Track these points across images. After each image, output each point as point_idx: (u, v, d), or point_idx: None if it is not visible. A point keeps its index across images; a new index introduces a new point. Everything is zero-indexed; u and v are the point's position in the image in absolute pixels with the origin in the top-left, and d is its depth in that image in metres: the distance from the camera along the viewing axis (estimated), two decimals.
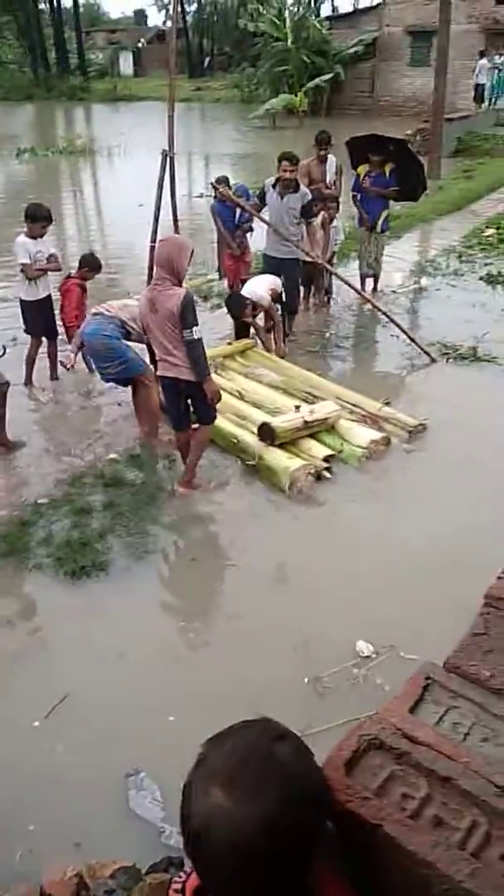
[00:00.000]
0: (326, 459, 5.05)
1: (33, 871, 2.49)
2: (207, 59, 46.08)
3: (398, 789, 1.01)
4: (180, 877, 1.05)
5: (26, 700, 3.25)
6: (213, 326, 7.71)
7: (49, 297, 6.26)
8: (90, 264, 6.40)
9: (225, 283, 8.52)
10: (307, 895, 0.92)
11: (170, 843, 2.63)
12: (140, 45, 48.17)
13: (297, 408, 5.39)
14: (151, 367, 5.23)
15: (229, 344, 6.92)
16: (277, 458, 4.95)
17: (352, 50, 28.60)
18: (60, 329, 6.45)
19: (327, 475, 4.97)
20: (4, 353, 5.52)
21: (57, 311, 6.40)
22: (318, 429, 5.30)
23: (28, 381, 6.33)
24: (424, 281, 9.46)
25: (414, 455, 5.31)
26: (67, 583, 4.02)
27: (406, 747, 1.06)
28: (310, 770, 0.94)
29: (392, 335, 7.32)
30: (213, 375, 6.08)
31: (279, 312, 6.81)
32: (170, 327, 4.36)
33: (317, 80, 27.58)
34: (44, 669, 3.44)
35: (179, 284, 4.39)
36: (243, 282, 8.10)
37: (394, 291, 9.01)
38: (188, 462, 4.86)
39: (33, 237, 5.98)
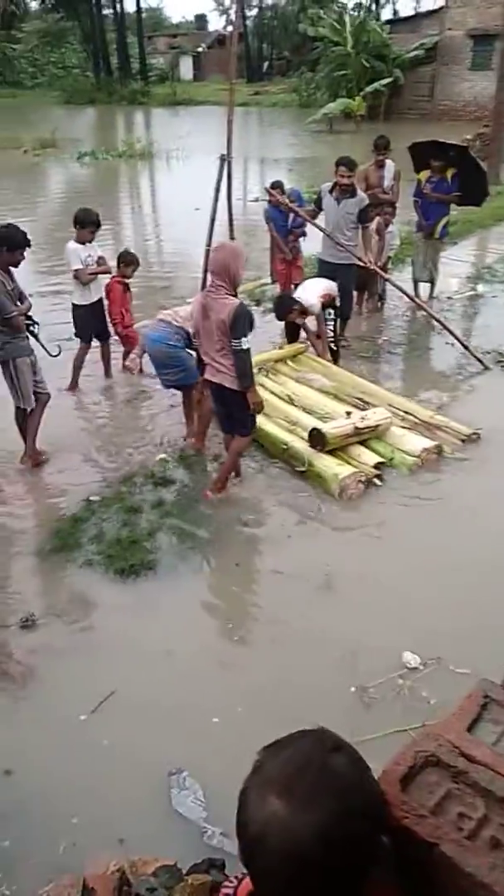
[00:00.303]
0: (377, 467, 5.01)
1: (75, 864, 2.52)
2: (266, 64, 46.33)
3: (455, 808, 1.00)
4: (231, 882, 1.06)
5: (74, 694, 3.30)
6: (265, 331, 7.73)
7: (101, 300, 6.36)
8: (125, 259, 6.49)
9: (277, 288, 8.52)
10: None
11: (212, 844, 2.64)
12: (200, 49, 48.70)
13: (349, 414, 5.35)
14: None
15: (280, 348, 6.92)
16: (327, 464, 4.93)
17: (412, 54, 28.39)
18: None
19: (377, 482, 4.92)
20: (59, 353, 5.63)
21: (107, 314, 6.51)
22: (368, 436, 5.25)
23: (74, 385, 6.40)
24: (481, 287, 9.32)
25: (466, 464, 5.22)
26: (117, 580, 4.08)
27: (463, 766, 1.04)
28: (366, 783, 0.93)
29: (446, 342, 7.22)
30: (264, 379, 6.12)
31: (332, 317, 6.76)
32: (218, 335, 4.38)
33: (375, 85, 27.44)
34: (92, 665, 3.49)
35: (234, 292, 4.41)
36: (296, 286, 8.11)
37: (449, 298, 8.89)
38: (220, 469, 4.89)
39: (82, 242, 6.07)
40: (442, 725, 1.13)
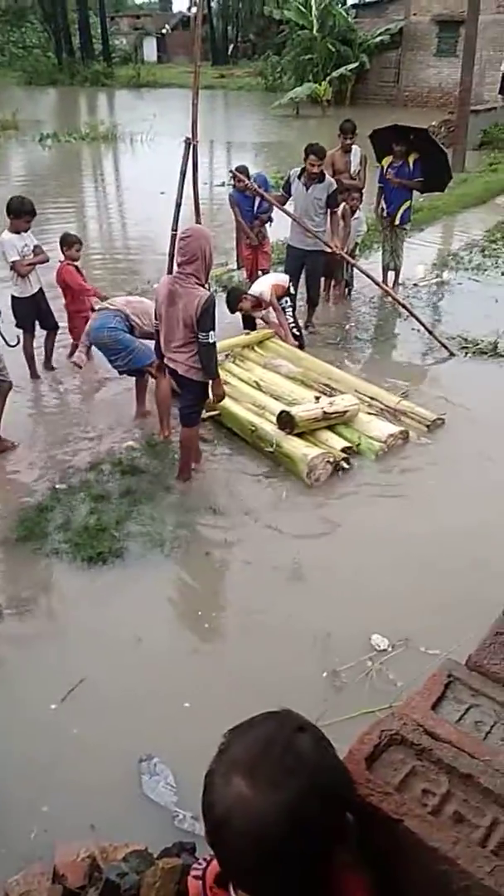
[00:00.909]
0: (344, 451, 5.05)
1: (46, 852, 2.52)
2: (232, 47, 45.80)
3: (419, 785, 1.02)
4: (200, 864, 1.06)
5: (43, 683, 3.29)
6: (231, 318, 7.71)
7: (41, 290, 6.15)
8: (67, 241, 6.22)
9: (243, 273, 8.49)
10: (326, 886, 0.93)
11: (183, 828, 2.66)
12: (164, 31, 47.98)
13: (318, 398, 5.39)
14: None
15: (247, 334, 6.91)
16: (296, 445, 4.95)
17: (378, 39, 28.34)
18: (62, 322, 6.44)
19: (345, 466, 4.96)
20: (18, 343, 5.54)
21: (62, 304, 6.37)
22: (336, 421, 5.29)
23: (34, 375, 6.29)
24: (446, 275, 9.39)
25: (431, 449, 5.29)
26: (84, 568, 4.05)
27: (427, 743, 1.06)
28: (331, 762, 0.94)
29: (412, 328, 7.29)
30: (231, 365, 6.11)
31: (288, 305, 6.76)
32: (182, 325, 4.34)
33: (341, 70, 27.36)
34: (60, 653, 3.48)
35: (205, 280, 4.37)
36: (263, 272, 8.09)
37: (415, 285, 8.94)
38: (179, 462, 4.89)
39: (16, 232, 5.84)
40: (407, 705, 1.15)
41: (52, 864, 2.41)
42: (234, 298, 6.65)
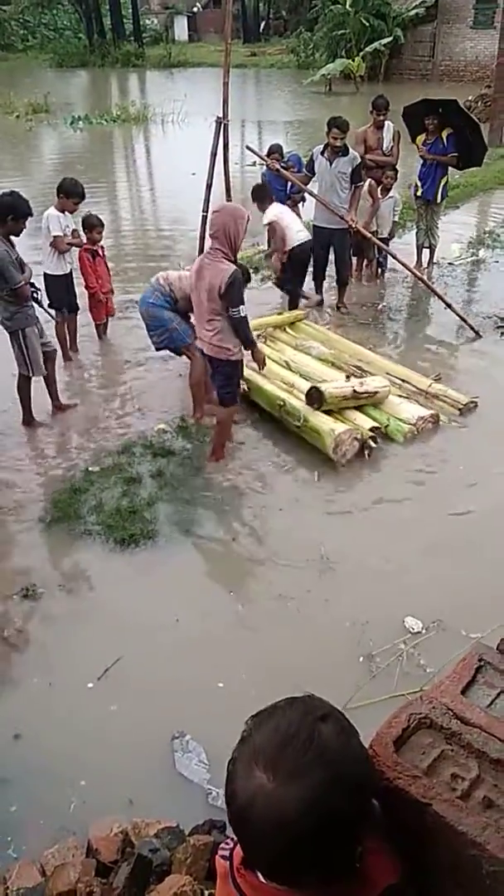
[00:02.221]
0: (372, 431, 4.99)
1: (82, 826, 2.58)
2: (263, 24, 45.08)
3: (448, 769, 1.01)
4: (227, 844, 1.07)
5: (80, 662, 3.34)
6: (264, 298, 7.67)
7: (72, 272, 6.21)
8: (89, 223, 6.25)
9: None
10: (352, 871, 0.92)
11: (217, 805, 2.70)
12: (195, 9, 47.41)
13: (348, 377, 5.34)
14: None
15: (279, 314, 6.87)
16: (323, 420, 4.92)
17: (412, 12, 27.61)
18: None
19: (372, 444, 4.91)
20: (61, 318, 5.58)
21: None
22: (365, 402, 5.23)
23: (66, 357, 6.31)
24: (482, 253, 9.20)
25: (462, 433, 5.21)
26: (116, 550, 4.09)
27: (457, 728, 1.05)
28: (353, 752, 0.93)
29: (445, 308, 7.16)
30: (261, 346, 6.06)
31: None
32: (207, 299, 4.31)
33: (375, 44, 26.75)
34: (95, 633, 3.52)
35: (232, 257, 4.33)
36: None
37: (450, 263, 8.78)
38: (213, 443, 4.88)
39: (62, 211, 5.91)
40: (437, 689, 1.13)
41: (87, 838, 2.47)
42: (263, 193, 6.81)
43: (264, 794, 0.86)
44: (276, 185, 7.74)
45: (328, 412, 5.05)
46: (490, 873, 0.92)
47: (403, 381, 5.67)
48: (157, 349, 5.58)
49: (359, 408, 5.22)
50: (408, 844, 1.00)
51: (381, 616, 3.55)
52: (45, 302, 5.65)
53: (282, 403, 5.18)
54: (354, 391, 5.12)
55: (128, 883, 2.18)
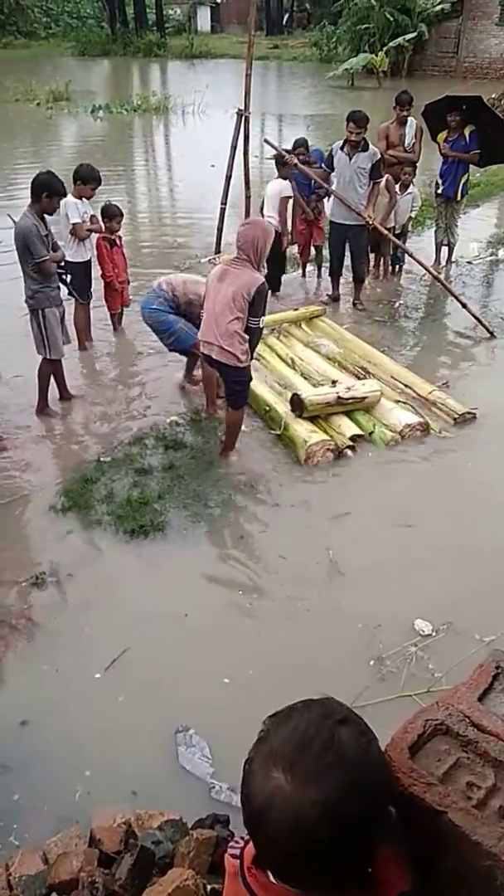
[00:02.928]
0: (353, 439, 4.95)
1: (85, 815, 2.58)
2: (286, 16, 44.85)
3: (464, 777, 0.99)
4: (238, 842, 1.06)
5: (87, 652, 3.34)
6: (280, 293, 7.64)
7: (91, 259, 6.19)
8: (108, 212, 6.21)
9: (295, 248, 8.36)
10: (366, 877, 0.91)
11: (220, 799, 2.69)
12: (219, 0, 47.23)
13: (334, 383, 5.30)
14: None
15: (295, 309, 6.84)
16: (300, 430, 4.91)
17: (438, 7, 27.33)
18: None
19: (349, 453, 4.87)
20: (90, 299, 5.56)
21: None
22: (353, 407, 5.18)
23: (82, 347, 6.30)
24: (502, 252, 9.12)
25: (450, 443, 5.06)
26: (126, 540, 4.09)
27: (473, 735, 1.03)
28: (372, 756, 0.92)
29: (469, 306, 7.09)
30: (274, 340, 6.05)
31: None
32: (228, 302, 4.30)
33: (399, 40, 26.53)
34: (103, 623, 3.52)
35: (257, 268, 4.39)
36: (316, 248, 7.97)
37: (469, 262, 8.71)
38: (224, 441, 4.87)
39: (79, 198, 5.90)
40: (453, 695, 1.12)
41: (90, 828, 2.47)
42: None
43: (282, 795, 0.85)
44: (301, 180, 7.67)
45: (314, 417, 5.03)
46: None
47: (406, 386, 5.59)
48: (170, 350, 5.61)
49: (348, 412, 5.18)
50: (421, 851, 0.99)
51: (390, 618, 3.53)
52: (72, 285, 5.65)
53: (267, 409, 5.18)
54: (339, 397, 5.08)
55: (130, 874, 2.18)
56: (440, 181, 8.02)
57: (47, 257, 4.85)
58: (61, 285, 5.15)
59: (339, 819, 0.84)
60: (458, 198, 8.05)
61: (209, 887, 2.13)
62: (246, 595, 3.76)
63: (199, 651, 3.37)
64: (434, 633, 3.44)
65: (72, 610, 3.62)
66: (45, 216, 4.89)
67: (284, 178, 7.01)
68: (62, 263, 5.13)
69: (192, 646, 3.40)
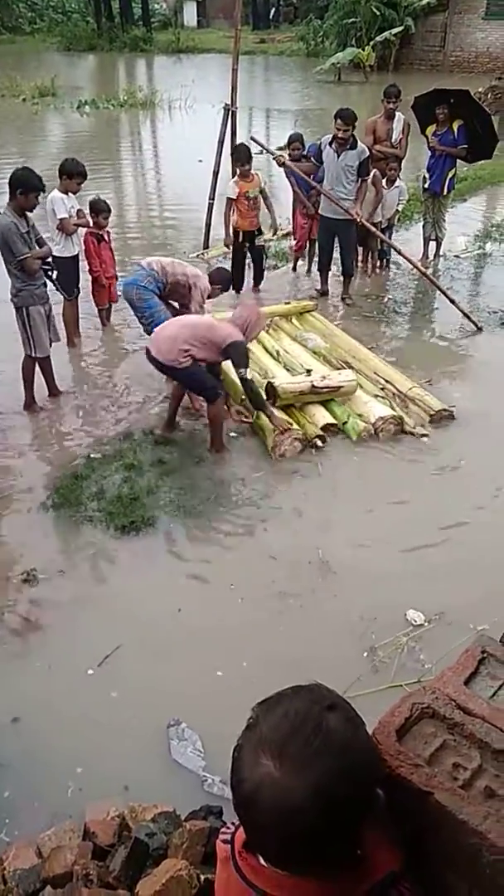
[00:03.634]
0: (327, 429, 4.98)
1: (78, 811, 2.59)
2: (273, 10, 44.70)
3: (450, 759, 1.01)
4: (228, 828, 1.07)
5: (80, 649, 3.35)
6: (270, 287, 7.65)
7: (79, 254, 6.18)
8: (95, 207, 6.22)
9: (291, 241, 8.35)
10: (354, 859, 0.93)
11: (212, 791, 2.71)
12: None
13: (309, 372, 5.33)
14: None
15: (287, 303, 6.85)
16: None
17: (424, 1, 27.32)
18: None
19: (319, 444, 4.89)
20: (77, 295, 5.63)
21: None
22: (328, 396, 5.20)
23: (71, 343, 6.29)
24: (489, 246, 9.17)
25: (421, 441, 5.05)
26: (117, 537, 4.09)
27: (459, 718, 1.05)
28: (360, 741, 0.93)
29: (456, 301, 7.12)
30: (262, 333, 6.05)
31: None
32: (193, 322, 4.72)
33: (386, 34, 26.49)
34: (95, 620, 3.53)
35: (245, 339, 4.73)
36: (310, 241, 7.97)
37: (457, 256, 8.75)
38: (210, 435, 4.89)
39: (65, 193, 5.88)
40: (439, 679, 1.13)
41: (83, 821, 2.48)
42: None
43: (271, 781, 0.87)
44: (298, 176, 7.67)
45: (288, 407, 5.06)
46: (490, 862, 0.92)
47: (387, 381, 5.59)
48: (146, 331, 5.62)
49: (325, 402, 5.20)
50: (409, 832, 1.00)
51: (383, 609, 3.55)
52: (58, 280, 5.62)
53: (243, 398, 5.19)
54: (314, 386, 5.10)
55: (124, 866, 2.20)
56: (427, 175, 8.04)
57: (28, 255, 4.81)
58: (47, 282, 5.12)
59: (328, 803, 0.86)
60: (445, 192, 8.07)
61: (203, 877, 2.14)
62: (237, 589, 3.77)
63: (191, 645, 3.39)
64: (426, 624, 3.47)
65: (64, 606, 3.62)
66: (26, 212, 4.86)
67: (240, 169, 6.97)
68: (48, 259, 5.09)
69: (184, 640, 3.41)
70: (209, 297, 5.46)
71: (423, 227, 8.45)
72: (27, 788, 2.74)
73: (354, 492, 4.55)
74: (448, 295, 6.86)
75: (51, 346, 5.28)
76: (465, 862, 0.94)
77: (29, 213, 4.89)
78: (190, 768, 2.82)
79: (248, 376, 4.66)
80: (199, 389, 4.87)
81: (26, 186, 4.73)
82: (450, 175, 7.96)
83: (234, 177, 7.08)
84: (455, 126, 7.65)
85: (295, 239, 8.14)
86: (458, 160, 7.98)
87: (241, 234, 7.23)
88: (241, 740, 0.94)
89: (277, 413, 4.90)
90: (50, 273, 5.10)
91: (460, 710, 1.06)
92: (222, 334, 4.61)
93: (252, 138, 7.66)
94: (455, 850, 0.95)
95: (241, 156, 6.94)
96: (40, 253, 4.94)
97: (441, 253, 8.60)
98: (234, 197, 6.98)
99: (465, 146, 7.72)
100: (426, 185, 8.10)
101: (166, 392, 5.59)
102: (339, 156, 6.69)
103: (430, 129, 7.84)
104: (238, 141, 7.74)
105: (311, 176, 7.10)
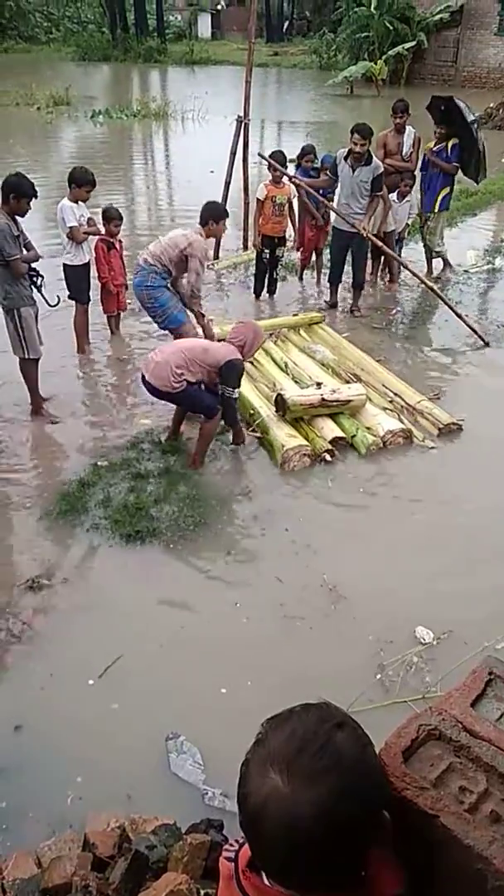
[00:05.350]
0: (334, 442, 4.97)
1: (78, 820, 2.58)
2: (286, 24, 45.04)
3: (456, 782, 1.01)
4: (232, 845, 1.07)
5: (81, 658, 3.34)
6: (278, 299, 7.68)
7: (90, 262, 6.22)
8: (108, 215, 6.28)
9: (299, 254, 8.37)
10: (360, 879, 0.92)
11: (213, 805, 2.70)
12: (219, 7, 47.37)
13: (319, 385, 5.33)
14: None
15: (295, 315, 6.86)
16: (280, 435, 4.94)
17: (437, 17, 27.49)
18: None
19: (328, 458, 4.88)
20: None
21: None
22: (337, 409, 5.20)
23: (81, 350, 6.32)
24: (499, 261, 9.17)
25: (430, 454, 5.07)
26: (122, 546, 4.09)
27: (466, 741, 1.04)
28: (368, 761, 0.93)
29: (463, 315, 7.13)
30: (270, 344, 6.08)
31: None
32: (189, 345, 4.71)
33: (398, 48, 26.66)
34: (97, 629, 3.52)
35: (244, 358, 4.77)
36: (317, 252, 7.99)
37: (466, 271, 8.76)
38: (194, 449, 4.87)
39: (75, 201, 5.92)
40: (446, 701, 1.13)
41: (83, 832, 2.47)
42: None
43: (278, 797, 0.87)
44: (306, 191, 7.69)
45: (299, 419, 5.06)
46: (495, 888, 0.91)
47: (396, 394, 5.59)
48: (162, 329, 5.78)
49: (333, 415, 5.21)
50: (413, 855, 1.00)
51: (391, 628, 3.54)
52: (54, 291, 5.64)
53: (252, 412, 5.22)
54: (324, 399, 5.10)
55: (124, 879, 2.18)
56: (424, 192, 8.02)
57: (17, 256, 4.86)
58: (32, 287, 5.14)
59: (334, 821, 0.85)
60: (436, 210, 7.99)
61: (203, 892, 2.13)
62: (243, 604, 3.74)
63: (193, 659, 3.37)
64: (435, 642, 3.45)
65: (67, 615, 3.62)
66: (17, 217, 4.89)
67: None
68: (33, 265, 5.11)
69: (186, 654, 3.40)
70: (216, 237, 5.51)
71: (423, 244, 8.48)
72: (29, 796, 2.73)
73: (363, 507, 4.54)
74: (455, 309, 6.87)
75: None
76: (471, 886, 0.94)
77: (20, 218, 4.93)
78: (190, 781, 2.81)
79: (235, 396, 4.69)
80: (196, 409, 4.86)
81: (18, 192, 4.79)
82: (443, 194, 7.90)
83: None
84: (450, 144, 7.65)
85: (301, 251, 8.17)
86: (455, 180, 7.95)
87: (262, 238, 7.26)
88: (249, 755, 0.94)
89: (247, 432, 5.09)
90: (36, 279, 5.12)
91: (467, 732, 1.06)
92: (218, 357, 4.61)
93: (259, 155, 7.71)
94: (460, 875, 0.95)
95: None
96: (28, 256, 4.99)
97: (451, 265, 8.59)
98: (262, 198, 7.04)
99: (457, 164, 7.73)
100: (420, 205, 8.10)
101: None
102: (353, 171, 6.73)
103: (429, 146, 7.85)
104: (249, 152, 7.81)
105: (323, 191, 7.14)
